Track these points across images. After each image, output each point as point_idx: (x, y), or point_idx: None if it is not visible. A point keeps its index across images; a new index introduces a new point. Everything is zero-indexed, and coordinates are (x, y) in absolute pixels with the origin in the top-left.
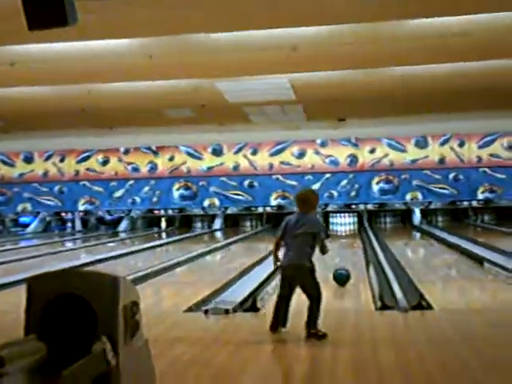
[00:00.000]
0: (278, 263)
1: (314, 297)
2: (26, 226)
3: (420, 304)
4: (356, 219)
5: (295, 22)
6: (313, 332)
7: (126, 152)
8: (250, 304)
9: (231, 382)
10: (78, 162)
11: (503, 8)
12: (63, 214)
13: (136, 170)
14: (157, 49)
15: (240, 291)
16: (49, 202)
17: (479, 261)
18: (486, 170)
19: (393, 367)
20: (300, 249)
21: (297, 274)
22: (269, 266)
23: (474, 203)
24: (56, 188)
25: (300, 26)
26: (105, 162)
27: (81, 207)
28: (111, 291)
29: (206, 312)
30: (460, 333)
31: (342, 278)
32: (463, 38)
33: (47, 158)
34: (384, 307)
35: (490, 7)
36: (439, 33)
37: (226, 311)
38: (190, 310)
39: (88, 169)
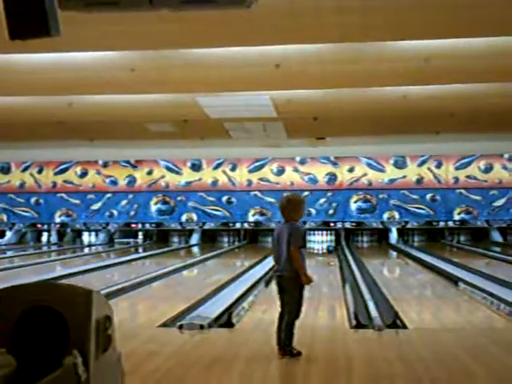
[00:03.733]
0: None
1: (289, 311)
2: None
3: (394, 323)
4: (333, 237)
5: (279, 39)
6: (287, 349)
7: (105, 165)
8: (225, 319)
9: None
10: (56, 173)
11: (486, 32)
12: (39, 226)
13: (114, 183)
14: (139, 62)
15: (215, 307)
16: (25, 214)
17: (454, 281)
18: (463, 191)
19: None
20: (284, 259)
21: (282, 285)
22: (244, 282)
23: (450, 223)
24: (33, 199)
25: (284, 44)
26: (83, 175)
27: (57, 219)
28: (84, 305)
29: (180, 327)
30: (432, 352)
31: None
32: (443, 60)
33: (25, 169)
34: (359, 326)
35: (473, 32)
36: (420, 55)
37: (201, 327)
38: (164, 325)
39: (66, 181)
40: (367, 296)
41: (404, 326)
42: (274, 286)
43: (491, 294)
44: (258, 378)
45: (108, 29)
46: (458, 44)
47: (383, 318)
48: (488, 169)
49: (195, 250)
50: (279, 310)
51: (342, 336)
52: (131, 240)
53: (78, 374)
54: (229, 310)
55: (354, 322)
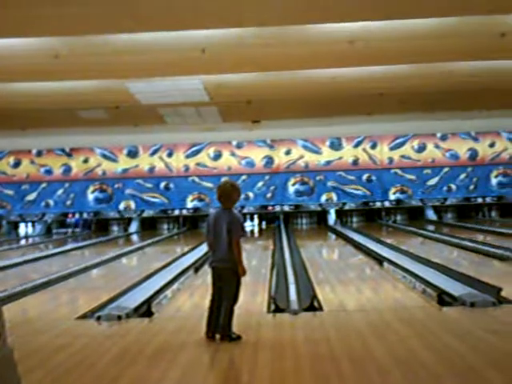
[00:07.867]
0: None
1: (228, 298)
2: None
3: (312, 306)
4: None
5: (202, 24)
6: (227, 334)
7: (39, 154)
8: (144, 309)
9: None
10: None
11: (410, 14)
12: None
13: (49, 172)
14: (63, 48)
15: (137, 296)
16: None
17: (379, 261)
18: (398, 171)
19: (265, 366)
20: (224, 249)
21: (220, 275)
22: (176, 268)
23: (387, 203)
24: None
25: (207, 29)
26: (16, 165)
27: None
28: None
29: (98, 318)
30: (338, 332)
31: None
32: (367, 42)
33: None
34: (277, 310)
35: (398, 13)
36: (346, 37)
37: (119, 317)
38: (84, 316)
39: None
40: (291, 279)
41: (321, 309)
42: (201, 272)
43: (412, 273)
44: (163, 367)
45: (29, 15)
46: (382, 26)
47: (301, 301)
48: (421, 148)
49: (135, 238)
50: (209, 297)
51: (257, 321)
52: (69, 230)
53: None
54: (149, 300)
55: (272, 306)
